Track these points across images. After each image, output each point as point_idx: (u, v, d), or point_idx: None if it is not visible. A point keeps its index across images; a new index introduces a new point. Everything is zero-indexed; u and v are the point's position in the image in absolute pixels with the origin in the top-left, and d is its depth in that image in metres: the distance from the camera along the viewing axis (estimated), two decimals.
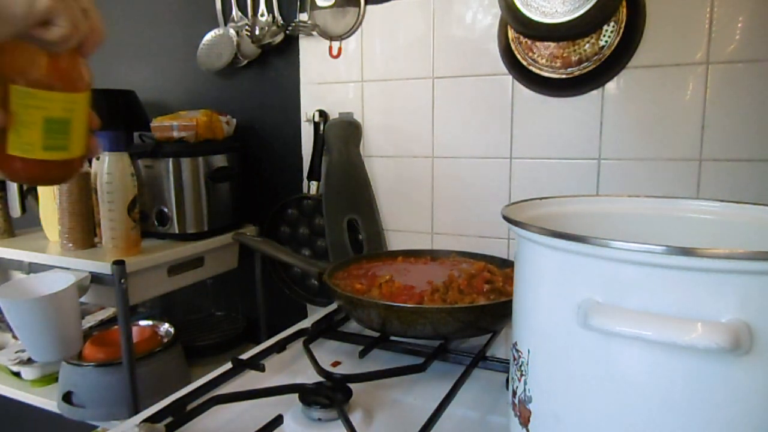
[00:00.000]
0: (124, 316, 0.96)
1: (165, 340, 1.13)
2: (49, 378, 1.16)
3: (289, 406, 0.60)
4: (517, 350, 0.44)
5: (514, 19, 0.90)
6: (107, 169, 0.97)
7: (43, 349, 0.91)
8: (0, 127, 0.42)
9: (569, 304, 0.37)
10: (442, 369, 0.70)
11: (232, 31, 1.27)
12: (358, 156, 1.16)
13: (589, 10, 0.83)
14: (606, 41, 0.93)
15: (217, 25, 1.30)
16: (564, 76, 0.97)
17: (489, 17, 1.03)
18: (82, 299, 0.97)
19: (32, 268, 1.06)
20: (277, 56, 1.26)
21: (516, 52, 1.00)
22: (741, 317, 0.32)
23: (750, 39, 0.85)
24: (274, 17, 1.23)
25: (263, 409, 0.60)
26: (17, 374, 1.19)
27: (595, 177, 0.99)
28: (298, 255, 1.02)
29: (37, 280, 0.95)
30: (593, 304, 0.36)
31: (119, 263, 0.94)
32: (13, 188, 1.24)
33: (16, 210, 1.24)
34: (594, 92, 0.97)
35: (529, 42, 0.98)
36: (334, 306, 0.95)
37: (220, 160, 1.18)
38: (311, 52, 1.21)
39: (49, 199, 1.16)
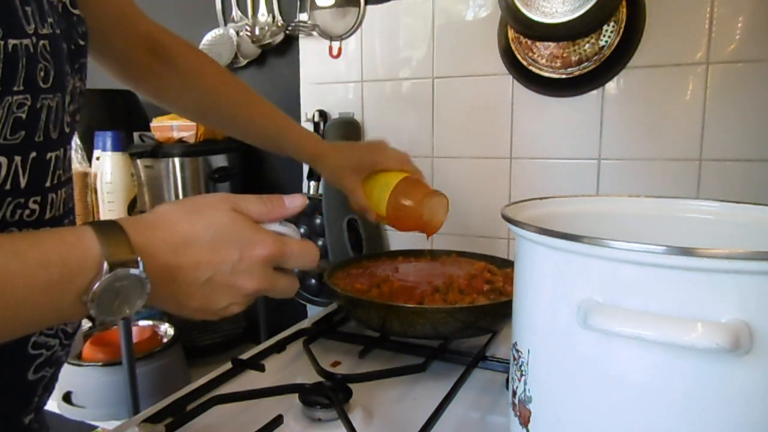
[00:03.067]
0: None
1: (165, 340, 1.13)
2: None
3: (289, 406, 0.59)
4: (517, 350, 0.44)
5: (514, 19, 0.90)
6: (107, 169, 0.97)
7: None
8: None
9: (569, 304, 0.37)
10: (442, 369, 0.70)
11: (232, 31, 1.27)
12: None
13: (589, 10, 0.83)
14: (606, 41, 0.93)
15: (217, 25, 1.30)
16: (564, 76, 0.97)
17: (489, 17, 1.03)
18: None
19: None
20: (277, 56, 1.26)
21: (516, 52, 1.00)
22: (741, 317, 0.32)
23: (750, 39, 0.85)
24: (274, 17, 1.23)
25: (263, 409, 0.60)
26: None
27: (595, 177, 0.99)
28: None
29: None
30: (593, 304, 0.36)
31: None
32: None
33: None
34: (594, 92, 0.97)
35: (529, 42, 0.98)
36: (334, 306, 0.95)
37: (220, 160, 1.18)
38: (311, 52, 1.21)
39: None
